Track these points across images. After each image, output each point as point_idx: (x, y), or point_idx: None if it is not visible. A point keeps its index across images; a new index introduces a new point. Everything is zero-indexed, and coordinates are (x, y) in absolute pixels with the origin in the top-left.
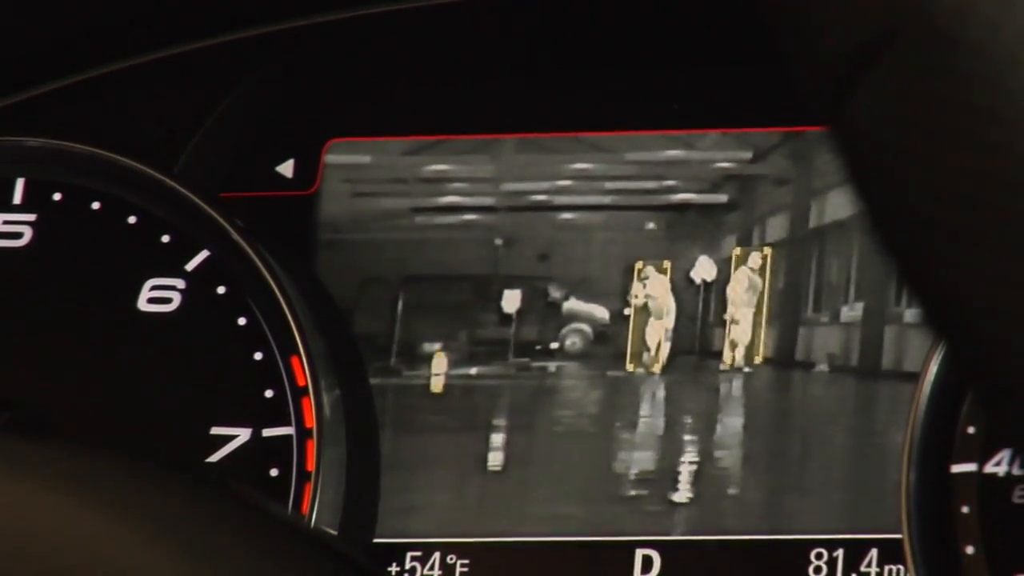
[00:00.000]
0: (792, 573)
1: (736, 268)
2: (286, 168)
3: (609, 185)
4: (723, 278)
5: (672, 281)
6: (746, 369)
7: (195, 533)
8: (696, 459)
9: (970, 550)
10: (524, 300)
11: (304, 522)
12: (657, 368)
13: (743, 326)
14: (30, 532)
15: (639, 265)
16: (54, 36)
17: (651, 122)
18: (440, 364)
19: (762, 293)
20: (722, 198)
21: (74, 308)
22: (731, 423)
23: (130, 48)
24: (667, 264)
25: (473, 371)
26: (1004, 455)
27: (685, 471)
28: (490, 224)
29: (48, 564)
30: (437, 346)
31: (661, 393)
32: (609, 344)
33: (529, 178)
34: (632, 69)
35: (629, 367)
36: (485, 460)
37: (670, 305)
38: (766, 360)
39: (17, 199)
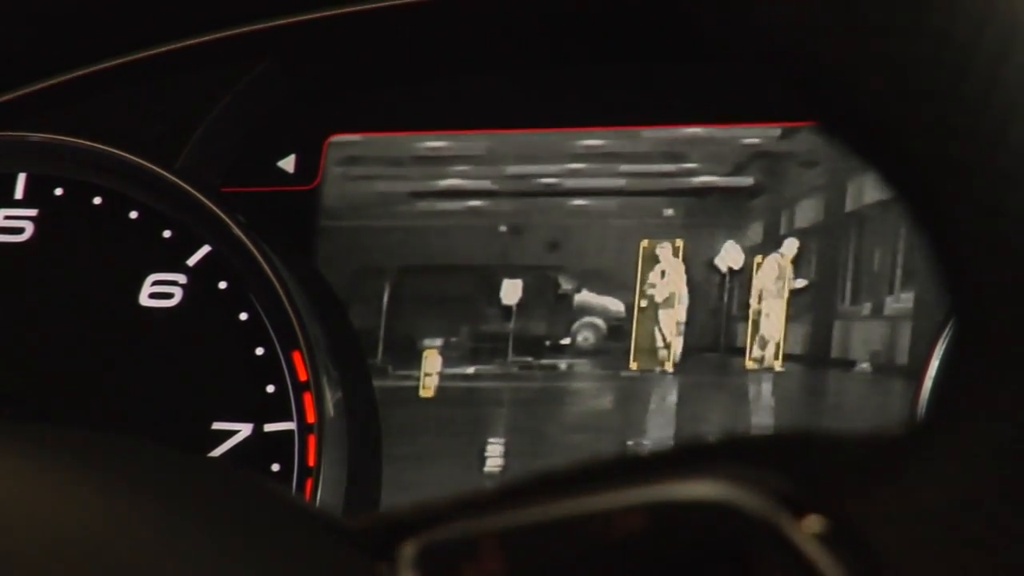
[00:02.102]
0: None
1: (765, 256)
2: (287, 163)
3: (624, 167)
4: (749, 267)
5: (688, 268)
6: (777, 368)
7: (206, 510)
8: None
9: None
10: (526, 291)
11: (311, 503)
12: (671, 367)
13: (773, 320)
14: (44, 512)
15: (645, 243)
16: (56, 32)
17: (655, 118)
18: (433, 363)
19: (789, 284)
20: (747, 181)
21: (76, 303)
22: (759, 429)
23: (132, 44)
24: (679, 243)
25: (471, 370)
26: None
27: None
28: (494, 210)
29: (61, 539)
30: (432, 343)
31: (679, 394)
32: (624, 340)
33: (536, 159)
34: (636, 64)
35: (633, 365)
36: (483, 471)
37: (683, 294)
38: (797, 358)
39: (19, 194)
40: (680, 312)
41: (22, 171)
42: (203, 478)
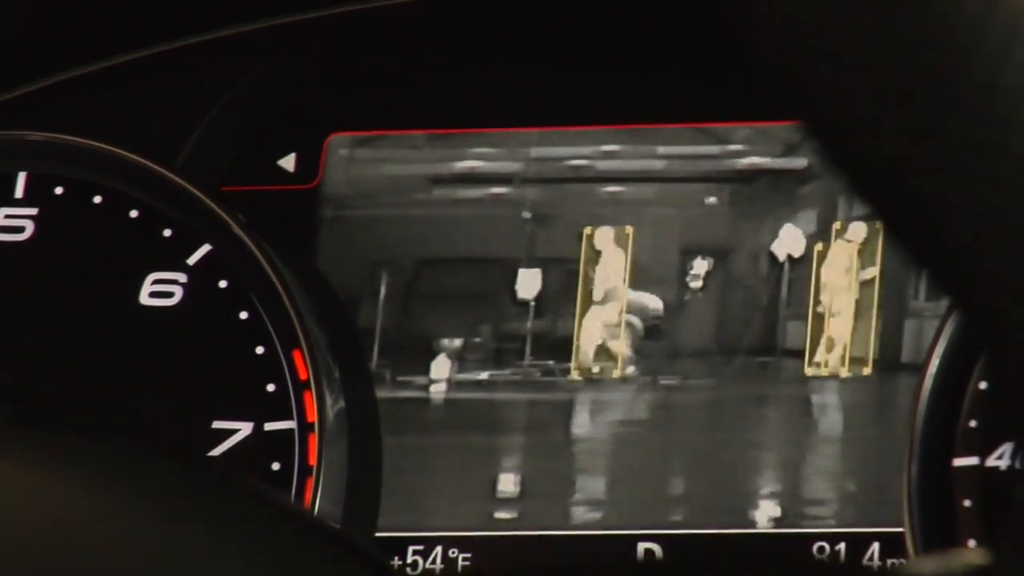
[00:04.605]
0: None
1: (828, 243)
2: (288, 162)
3: (662, 149)
4: (809, 257)
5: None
6: (843, 374)
7: (207, 523)
8: (778, 488)
9: (972, 544)
10: (551, 286)
11: (311, 513)
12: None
13: (842, 318)
14: (41, 522)
15: (588, 231)
16: (55, 30)
17: (680, 116)
18: (441, 368)
19: (859, 276)
20: (800, 162)
21: (76, 302)
22: (826, 442)
23: (132, 42)
24: (629, 229)
25: (484, 376)
26: (1006, 449)
27: (766, 499)
28: (517, 196)
29: (61, 552)
30: (450, 343)
31: (727, 405)
32: (663, 340)
33: (565, 140)
34: (647, 64)
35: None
36: (494, 491)
37: (623, 289)
38: (863, 362)
39: (19, 193)
40: (612, 312)
41: (22, 170)
42: (247, 515)
